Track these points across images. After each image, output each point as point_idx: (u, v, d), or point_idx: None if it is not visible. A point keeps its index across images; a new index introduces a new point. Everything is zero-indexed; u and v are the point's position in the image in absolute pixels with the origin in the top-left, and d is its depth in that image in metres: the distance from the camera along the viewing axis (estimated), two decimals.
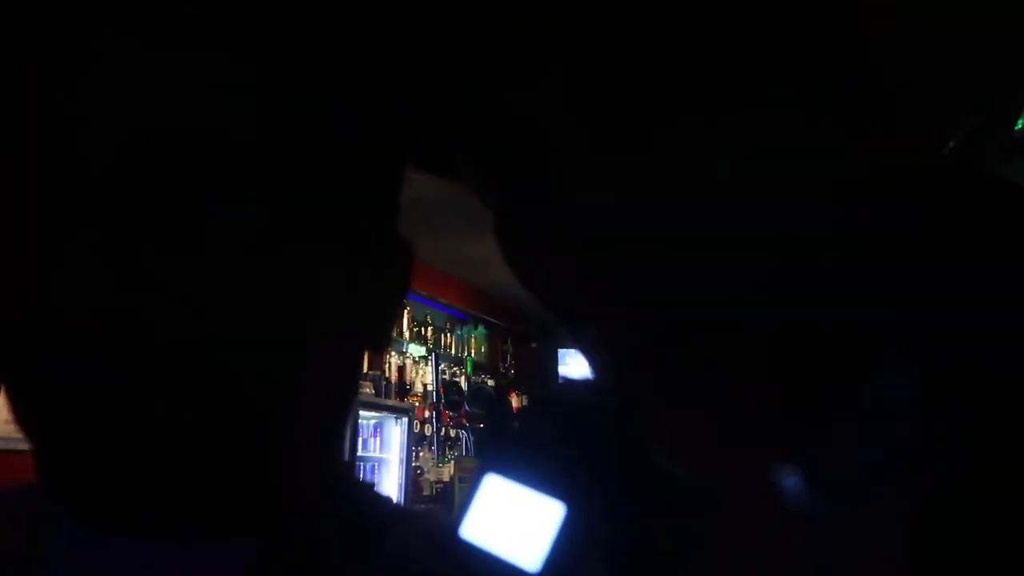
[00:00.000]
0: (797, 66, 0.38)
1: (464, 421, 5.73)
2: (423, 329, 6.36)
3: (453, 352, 6.73)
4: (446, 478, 5.81)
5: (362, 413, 5.02)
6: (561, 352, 6.35)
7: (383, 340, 0.47)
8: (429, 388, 6.14)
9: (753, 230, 0.35)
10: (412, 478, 5.50)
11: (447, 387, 5.76)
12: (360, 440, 5.10)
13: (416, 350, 6.21)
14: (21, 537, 0.40)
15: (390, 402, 5.52)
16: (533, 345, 7.51)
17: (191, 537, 0.38)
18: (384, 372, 5.56)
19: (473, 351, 6.95)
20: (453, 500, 5.61)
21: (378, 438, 5.50)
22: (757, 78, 0.37)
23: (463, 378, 6.51)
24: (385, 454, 5.51)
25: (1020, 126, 3.37)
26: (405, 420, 5.57)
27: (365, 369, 5.27)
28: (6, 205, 0.35)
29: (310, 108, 0.39)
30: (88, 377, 0.34)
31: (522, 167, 0.38)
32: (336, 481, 0.46)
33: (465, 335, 6.95)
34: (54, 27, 0.36)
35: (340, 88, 0.41)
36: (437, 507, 5.45)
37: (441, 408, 5.89)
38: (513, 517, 0.34)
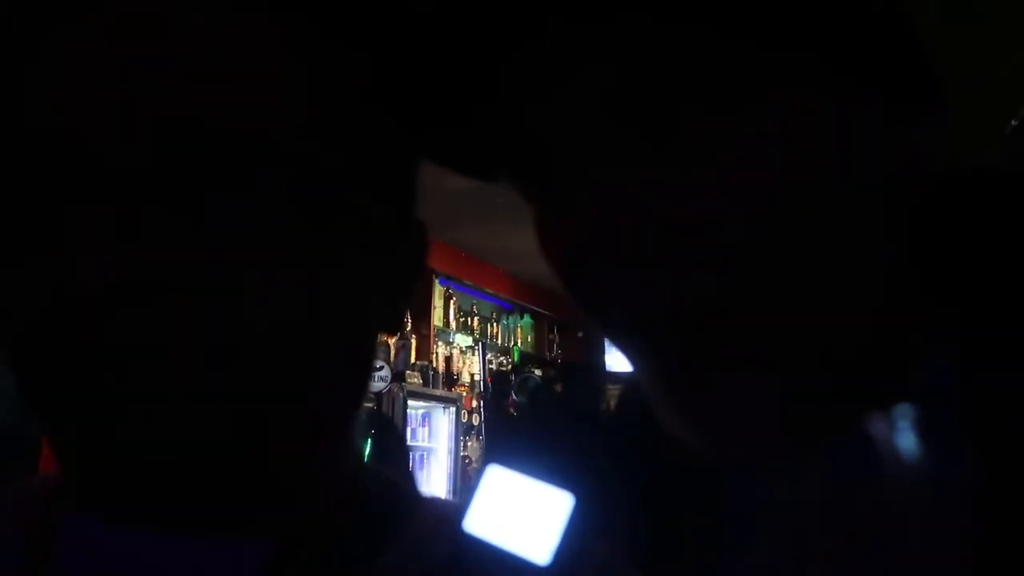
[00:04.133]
0: (844, 57, 0.38)
1: (511, 411, 5.74)
2: (470, 319, 6.39)
3: (500, 342, 6.75)
4: None
5: (410, 403, 5.09)
6: (607, 342, 6.32)
7: (396, 324, 0.46)
8: (476, 378, 6.18)
9: (794, 222, 0.35)
10: (460, 467, 5.54)
11: (495, 378, 5.79)
12: (409, 430, 5.15)
13: (463, 340, 6.25)
14: (37, 530, 0.40)
15: (438, 392, 5.57)
16: (580, 334, 7.50)
17: (206, 534, 0.38)
18: (432, 362, 5.61)
19: (520, 341, 6.96)
20: None
21: (426, 428, 5.56)
22: (800, 71, 0.37)
23: (510, 368, 6.52)
24: (433, 444, 5.57)
25: None
26: (453, 410, 5.62)
27: (413, 359, 5.33)
28: (18, 182, 0.35)
29: (327, 95, 0.39)
30: (96, 360, 0.34)
31: (556, 170, 0.38)
32: (351, 472, 0.45)
33: (511, 325, 6.97)
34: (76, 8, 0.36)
35: (360, 76, 0.41)
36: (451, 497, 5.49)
37: (488, 398, 5.91)
38: (520, 509, 0.33)
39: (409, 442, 5.18)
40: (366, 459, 0.49)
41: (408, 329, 5.38)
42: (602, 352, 7.72)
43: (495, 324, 6.79)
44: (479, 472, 0.34)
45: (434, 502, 0.46)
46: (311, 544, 0.39)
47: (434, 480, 5.47)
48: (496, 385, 5.33)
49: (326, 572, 0.38)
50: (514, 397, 4.90)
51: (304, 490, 0.41)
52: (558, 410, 0.46)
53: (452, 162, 0.45)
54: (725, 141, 0.35)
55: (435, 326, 5.81)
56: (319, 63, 0.39)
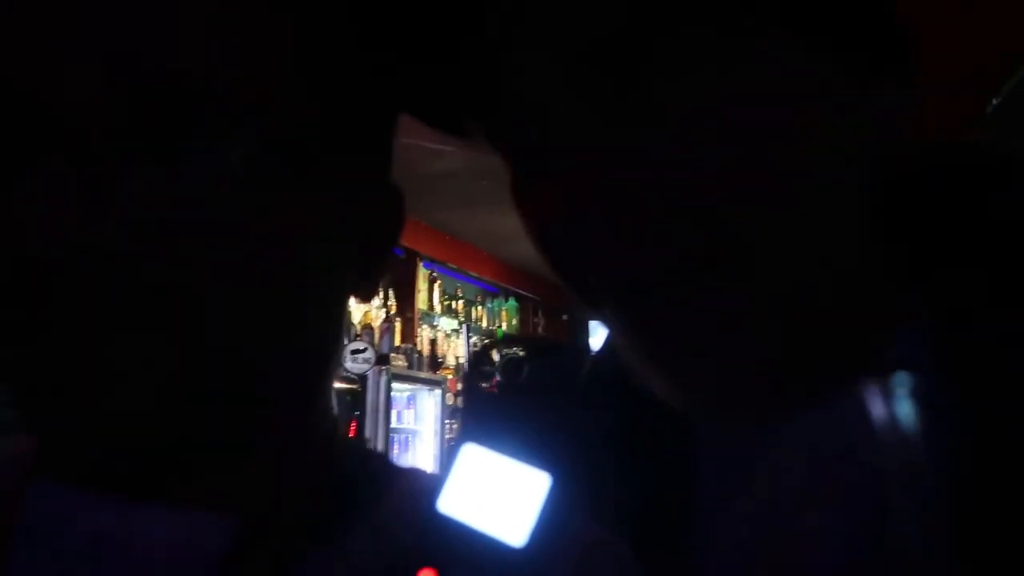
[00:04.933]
0: (816, 23, 0.38)
1: (496, 392, 5.76)
2: (454, 302, 6.39)
3: (484, 325, 6.75)
4: None
5: (395, 385, 5.08)
6: (592, 324, 6.36)
7: (370, 288, 0.45)
8: (461, 361, 6.18)
9: (764, 178, 0.36)
10: (446, 450, 5.55)
11: (477, 356, 5.79)
12: (394, 412, 5.15)
13: (447, 323, 6.25)
14: (5, 492, 0.39)
15: (423, 375, 5.58)
16: (564, 317, 7.53)
17: (170, 504, 0.37)
18: (416, 345, 5.61)
19: (504, 324, 6.97)
20: None
21: (412, 410, 5.57)
22: (767, 28, 0.37)
23: (494, 350, 6.53)
24: (419, 426, 5.58)
25: None
26: (438, 392, 5.62)
27: (398, 342, 5.33)
28: None
29: (301, 50, 0.38)
30: (59, 318, 0.33)
31: (528, 127, 0.38)
32: (325, 441, 0.44)
33: (496, 308, 6.97)
34: None
35: (335, 31, 0.40)
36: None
37: (470, 376, 5.93)
38: (495, 489, 0.32)
39: (394, 424, 5.18)
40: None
41: (393, 312, 5.37)
42: (587, 334, 7.77)
43: (480, 307, 6.78)
44: (453, 450, 0.33)
45: (412, 474, 0.46)
46: (277, 517, 0.38)
47: (420, 462, 5.48)
48: (476, 363, 5.35)
49: (293, 546, 0.37)
50: (497, 377, 4.92)
51: (271, 456, 0.40)
52: (534, 387, 0.46)
53: (427, 115, 0.45)
54: (697, 99, 0.35)
55: (419, 309, 5.80)
56: (295, 14, 0.38)
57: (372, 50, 0.42)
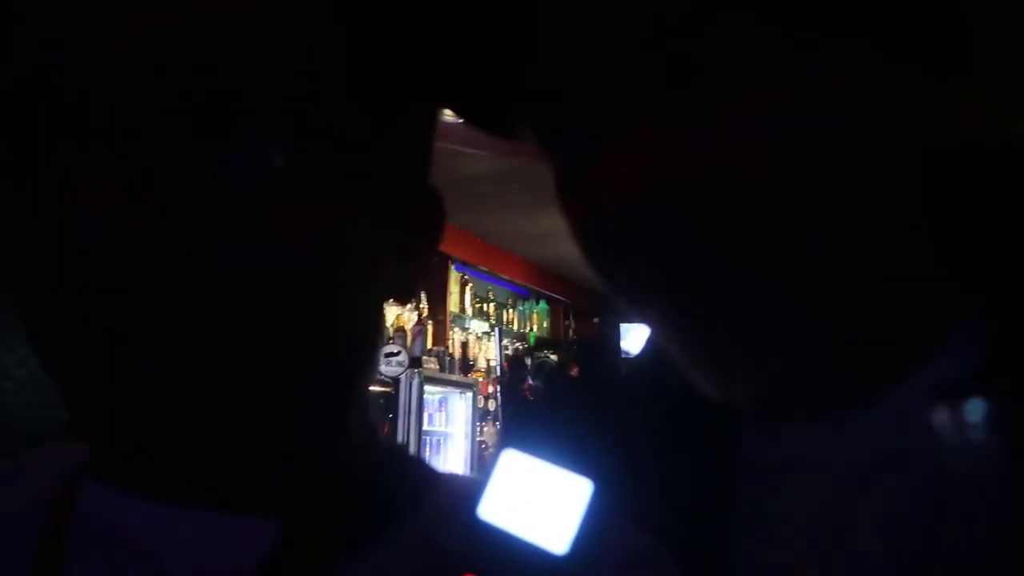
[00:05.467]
0: (875, 14, 0.38)
1: (528, 396, 5.76)
2: (485, 305, 6.39)
3: (516, 327, 6.75)
4: None
5: (427, 388, 5.10)
6: (624, 327, 6.33)
7: (408, 291, 0.45)
8: (492, 363, 6.18)
9: (823, 171, 0.35)
10: (477, 452, 5.56)
11: (511, 361, 5.80)
12: (426, 415, 5.18)
13: (479, 326, 6.25)
14: (55, 502, 0.40)
15: (454, 377, 5.59)
16: (595, 320, 7.49)
17: (217, 507, 0.37)
18: (448, 348, 5.63)
19: (535, 326, 6.96)
20: None
21: (443, 412, 5.58)
22: (829, 24, 0.37)
23: (525, 351, 6.54)
24: (450, 428, 5.59)
25: None
26: (469, 395, 5.63)
27: (429, 345, 5.35)
28: (27, 131, 0.34)
29: (346, 47, 0.38)
30: (107, 318, 0.33)
31: (582, 119, 0.38)
32: (363, 445, 0.44)
33: (527, 311, 6.96)
34: None
35: (380, 27, 0.40)
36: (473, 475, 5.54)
37: (505, 381, 5.94)
38: (536, 496, 0.31)
39: (426, 427, 5.21)
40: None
41: (425, 315, 5.40)
42: (617, 337, 7.73)
43: (511, 310, 6.79)
44: (494, 457, 0.32)
45: (452, 479, 0.45)
46: (319, 520, 0.38)
47: (451, 464, 5.50)
48: (511, 369, 5.35)
49: (333, 550, 0.38)
50: (530, 381, 4.91)
51: (310, 460, 0.40)
52: (575, 392, 0.45)
53: (474, 114, 0.45)
54: (757, 89, 0.35)
55: (451, 312, 5.82)
56: (339, 10, 0.38)
57: (417, 47, 0.42)
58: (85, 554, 0.38)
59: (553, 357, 6.03)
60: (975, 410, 0.38)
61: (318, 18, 0.37)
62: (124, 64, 0.33)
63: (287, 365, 0.36)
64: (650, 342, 0.56)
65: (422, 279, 0.46)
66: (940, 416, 0.38)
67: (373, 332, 0.44)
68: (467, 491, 0.42)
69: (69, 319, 0.34)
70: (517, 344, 6.57)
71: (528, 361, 5.92)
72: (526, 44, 0.38)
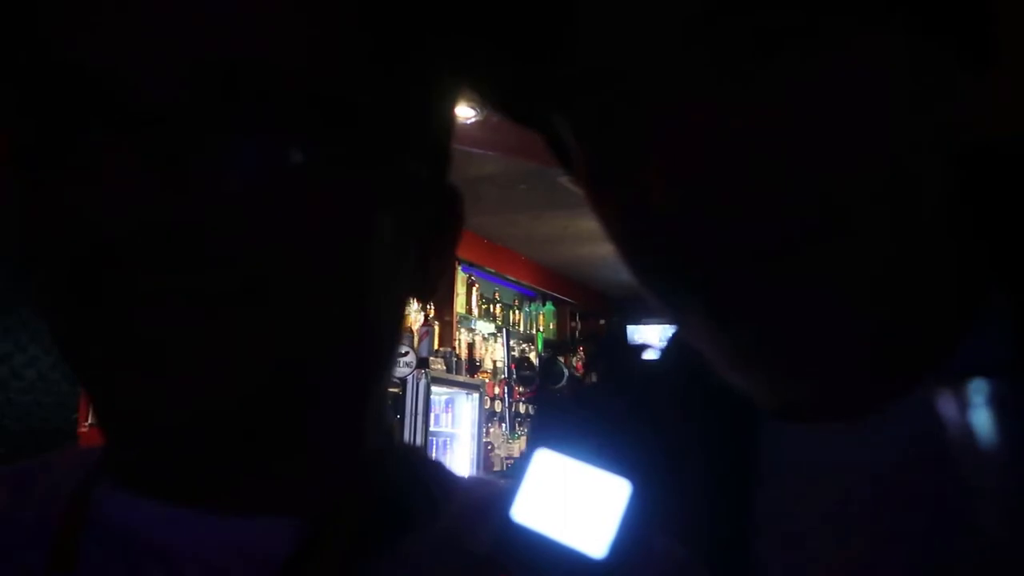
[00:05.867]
0: (910, 8, 0.37)
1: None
2: (492, 306, 6.38)
3: (522, 329, 6.74)
4: (516, 453, 5.85)
5: (434, 389, 5.10)
6: (630, 329, 6.32)
7: (429, 289, 0.44)
8: (499, 364, 6.17)
9: (862, 157, 0.35)
10: (483, 453, 5.55)
11: (518, 363, 5.80)
12: (432, 415, 5.17)
13: (485, 327, 6.25)
14: (70, 504, 0.39)
15: (461, 378, 5.58)
16: (602, 322, 7.48)
17: (235, 509, 0.37)
18: (455, 349, 5.62)
19: (542, 328, 6.95)
20: None
21: (449, 413, 5.58)
22: (868, 15, 0.36)
23: (533, 354, 6.53)
24: (456, 429, 5.59)
25: None
26: (476, 396, 5.63)
27: (436, 346, 5.35)
28: (50, 114, 0.34)
29: (371, 43, 0.37)
30: (127, 303, 0.33)
31: (629, 105, 0.37)
32: (381, 446, 0.43)
33: (533, 312, 6.95)
34: None
35: (403, 14, 0.39)
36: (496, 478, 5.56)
37: (513, 384, 5.93)
38: (572, 497, 0.30)
39: (432, 428, 5.20)
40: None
41: (431, 316, 5.39)
42: (625, 338, 7.70)
43: (517, 311, 6.77)
44: (526, 456, 0.31)
45: (476, 482, 0.45)
46: (340, 520, 0.37)
47: (457, 465, 5.49)
48: (519, 370, 5.34)
49: (354, 551, 0.37)
50: (538, 381, 4.90)
51: (328, 459, 0.39)
52: (604, 391, 0.44)
53: (510, 109, 0.44)
54: (800, 74, 0.35)
55: (458, 313, 5.81)
56: (366, 5, 0.37)
57: (447, 32, 0.41)
58: (100, 557, 0.37)
59: (560, 358, 6.02)
60: (999, 397, 0.37)
61: (343, 6, 0.37)
62: (150, 49, 0.33)
63: (308, 358, 0.36)
64: (671, 346, 0.55)
65: (442, 277, 0.46)
66: (963, 404, 0.38)
67: (393, 328, 0.43)
68: (492, 493, 0.41)
69: (91, 308, 0.33)
70: (523, 345, 6.55)
71: (535, 361, 5.91)
72: (570, 26, 0.38)
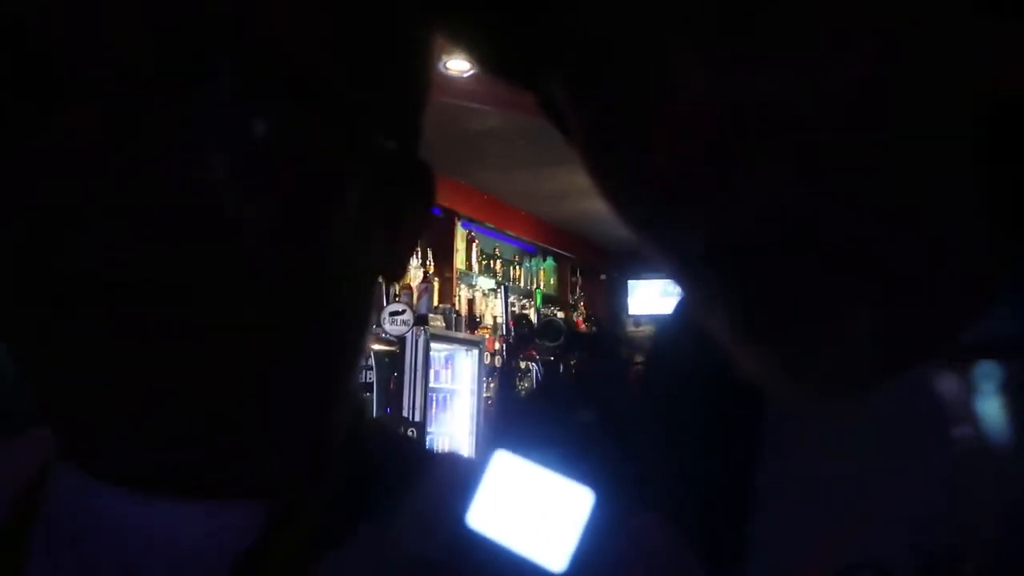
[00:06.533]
0: None
1: (534, 354, 5.80)
2: (492, 262, 6.37)
3: (522, 284, 6.74)
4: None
5: (433, 346, 5.12)
6: (631, 284, 6.32)
7: (398, 269, 0.43)
8: (499, 320, 6.19)
9: (877, 120, 0.33)
10: (483, 408, 5.60)
11: (516, 320, 5.82)
12: (432, 372, 5.21)
13: (485, 283, 6.24)
14: (25, 489, 0.38)
15: (460, 335, 5.60)
16: (602, 277, 7.49)
17: (194, 495, 0.35)
18: (454, 305, 5.63)
19: (542, 284, 6.95)
20: None
21: (449, 370, 5.62)
22: None
23: (532, 310, 6.54)
24: (456, 385, 5.63)
25: None
26: (476, 352, 5.66)
27: (436, 302, 5.35)
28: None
29: (332, 9, 0.35)
30: (74, 285, 0.31)
31: (631, 66, 0.35)
32: (353, 431, 0.42)
33: (534, 267, 6.94)
34: None
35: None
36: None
37: (511, 341, 5.97)
38: (531, 505, 0.28)
39: (432, 384, 5.25)
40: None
41: (431, 272, 5.39)
42: (624, 295, 7.72)
43: (517, 267, 6.76)
44: (484, 459, 0.29)
45: (448, 462, 0.43)
46: (299, 510, 0.36)
47: (458, 420, 5.55)
48: (517, 328, 5.36)
49: (312, 541, 0.36)
50: (537, 341, 4.91)
51: (292, 444, 0.38)
52: (576, 387, 0.42)
53: (499, 67, 0.41)
54: (809, 30, 0.32)
55: (457, 269, 5.80)
56: None
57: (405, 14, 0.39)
58: (51, 546, 0.36)
59: (560, 315, 6.03)
60: (1013, 381, 0.35)
61: None
62: (96, 16, 0.31)
63: (268, 344, 0.34)
64: (675, 319, 0.53)
65: (409, 256, 0.44)
66: (969, 388, 0.36)
67: (360, 311, 0.41)
68: (462, 476, 0.40)
69: (31, 294, 0.31)
70: (524, 301, 6.56)
71: (533, 319, 5.93)
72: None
